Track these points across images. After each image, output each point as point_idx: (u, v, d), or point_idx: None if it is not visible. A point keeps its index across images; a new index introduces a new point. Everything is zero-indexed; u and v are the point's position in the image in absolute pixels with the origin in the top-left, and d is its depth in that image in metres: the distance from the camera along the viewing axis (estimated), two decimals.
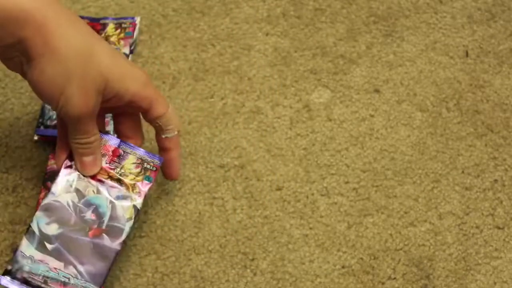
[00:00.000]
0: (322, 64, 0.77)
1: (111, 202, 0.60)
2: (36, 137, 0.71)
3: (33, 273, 0.59)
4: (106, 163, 0.61)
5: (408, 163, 0.72)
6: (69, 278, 0.59)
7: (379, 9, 0.80)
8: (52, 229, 0.59)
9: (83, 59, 0.54)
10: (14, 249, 0.64)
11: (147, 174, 0.61)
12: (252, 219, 0.69)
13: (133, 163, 0.61)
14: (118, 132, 0.63)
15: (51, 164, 0.70)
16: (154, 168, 0.62)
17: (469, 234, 0.69)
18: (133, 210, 0.61)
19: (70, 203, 0.60)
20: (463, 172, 0.72)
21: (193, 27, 0.78)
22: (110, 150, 0.61)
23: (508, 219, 0.70)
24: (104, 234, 0.60)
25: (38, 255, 0.59)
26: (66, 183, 0.60)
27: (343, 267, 0.67)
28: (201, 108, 0.74)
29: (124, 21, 0.75)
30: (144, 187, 0.61)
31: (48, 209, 0.60)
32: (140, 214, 0.62)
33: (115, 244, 0.60)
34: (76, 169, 0.60)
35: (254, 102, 0.74)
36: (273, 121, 0.74)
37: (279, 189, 0.70)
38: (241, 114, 0.74)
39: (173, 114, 0.62)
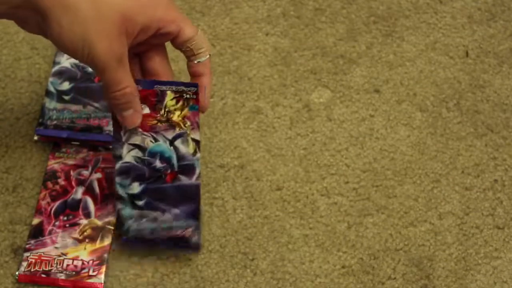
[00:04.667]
0: (322, 64, 0.77)
1: (171, 144, 0.62)
2: (36, 137, 0.71)
3: (140, 230, 0.63)
4: (149, 110, 0.61)
5: (408, 163, 0.72)
6: (170, 224, 0.63)
7: (379, 9, 0.80)
8: (135, 188, 0.63)
9: (92, 1, 0.52)
10: (116, 213, 0.64)
11: (191, 103, 0.61)
12: (252, 219, 0.69)
13: (173, 98, 0.61)
14: (148, 71, 0.61)
15: (51, 164, 0.70)
16: (194, 96, 0.61)
17: (469, 234, 0.69)
18: (193, 143, 0.62)
19: (138, 159, 0.62)
20: (463, 172, 0.72)
21: None
22: (146, 93, 0.60)
23: (508, 219, 0.70)
24: (179, 175, 0.62)
25: (136, 213, 0.63)
26: (125, 144, 0.61)
27: (343, 267, 0.67)
28: None
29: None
30: (194, 118, 0.61)
31: (122, 172, 0.62)
32: (201, 145, 0.64)
33: (193, 180, 0.63)
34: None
35: (254, 102, 0.74)
36: (273, 121, 0.74)
37: (279, 189, 0.70)
38: (241, 114, 0.74)
39: (203, 36, 0.59)
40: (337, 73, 0.76)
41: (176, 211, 0.63)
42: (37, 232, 0.67)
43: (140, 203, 0.63)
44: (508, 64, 0.77)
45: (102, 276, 0.65)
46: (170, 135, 0.61)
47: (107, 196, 0.68)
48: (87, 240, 0.66)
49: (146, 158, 0.62)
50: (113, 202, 0.68)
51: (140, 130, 0.61)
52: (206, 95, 0.61)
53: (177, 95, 0.60)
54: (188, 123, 0.61)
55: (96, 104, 0.72)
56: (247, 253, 0.67)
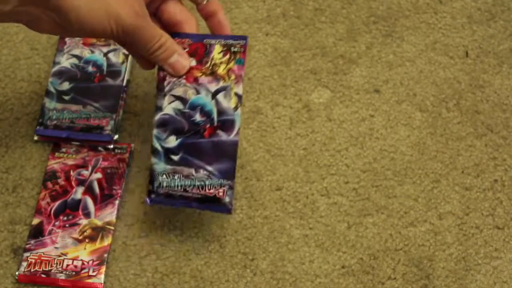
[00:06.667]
0: (322, 64, 0.77)
1: (213, 97, 0.61)
2: (36, 137, 0.71)
3: (171, 186, 0.62)
4: (195, 62, 0.61)
5: (408, 163, 0.72)
6: (203, 181, 0.61)
7: (379, 9, 0.80)
8: (172, 142, 0.62)
9: None
10: (149, 170, 0.63)
11: (237, 57, 0.61)
12: (252, 219, 0.69)
13: (220, 51, 0.61)
14: (171, 23, 0.62)
15: (51, 164, 0.70)
16: (242, 49, 0.61)
17: (469, 234, 0.69)
18: (236, 98, 0.61)
19: (178, 112, 0.61)
20: (463, 172, 0.72)
21: None
22: (196, 47, 0.61)
23: (508, 219, 0.70)
24: (218, 131, 0.61)
25: (169, 168, 0.62)
26: (166, 95, 0.61)
27: (343, 267, 0.67)
28: None
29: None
30: (239, 71, 0.61)
31: (161, 124, 0.62)
32: (242, 101, 0.64)
33: (232, 136, 0.61)
34: (170, 77, 0.61)
35: (254, 102, 0.74)
36: (273, 121, 0.74)
37: (279, 189, 0.70)
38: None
39: None
40: (337, 73, 0.76)
41: (211, 168, 0.61)
42: (37, 232, 0.67)
43: (175, 158, 0.61)
44: (508, 64, 0.77)
45: (102, 276, 0.65)
46: (213, 87, 0.61)
47: (107, 196, 0.68)
48: (87, 240, 0.66)
49: (186, 110, 0.61)
50: (112, 203, 0.68)
51: (184, 81, 0.61)
52: (228, 26, 0.63)
53: (225, 49, 0.61)
54: (233, 76, 0.61)
55: (96, 104, 0.72)
56: (247, 253, 0.67)
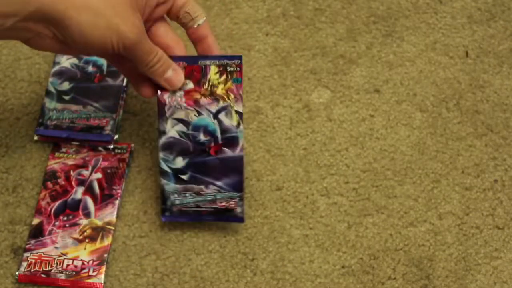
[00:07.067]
0: (322, 64, 0.77)
1: (215, 117, 0.63)
2: (36, 137, 0.71)
3: (184, 203, 0.65)
4: (193, 85, 0.62)
5: (408, 163, 0.72)
6: (214, 195, 0.64)
7: (379, 9, 0.80)
8: (179, 163, 0.63)
9: None
10: (160, 191, 0.65)
11: (234, 76, 0.62)
12: (252, 219, 0.69)
13: (216, 72, 0.62)
14: (161, 46, 0.62)
15: (51, 164, 0.70)
16: (238, 69, 0.62)
17: (469, 234, 0.69)
18: (237, 115, 0.63)
19: (182, 134, 0.63)
20: (463, 172, 0.72)
21: None
22: (191, 70, 0.62)
23: (508, 219, 0.70)
24: (223, 148, 0.63)
25: (180, 187, 0.64)
26: (169, 119, 0.62)
27: (343, 267, 0.67)
28: None
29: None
30: (237, 90, 0.62)
31: (167, 148, 0.63)
32: (243, 118, 0.65)
33: (237, 152, 0.63)
34: (172, 95, 0.62)
35: (254, 102, 0.74)
36: (273, 121, 0.74)
37: (279, 189, 0.70)
38: None
39: (194, 1, 0.61)
40: (337, 73, 0.76)
41: (220, 183, 0.64)
42: (37, 232, 0.67)
43: (185, 177, 0.64)
44: (508, 64, 0.77)
45: (102, 276, 0.65)
46: (214, 108, 0.62)
47: (107, 196, 0.68)
48: (87, 240, 0.66)
49: (190, 132, 0.63)
50: (112, 203, 0.68)
51: (184, 104, 0.62)
52: (218, 49, 0.63)
53: (220, 69, 0.62)
54: (232, 95, 0.62)
55: (96, 104, 0.72)
56: (247, 253, 0.67)
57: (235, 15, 0.79)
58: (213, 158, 0.63)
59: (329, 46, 0.78)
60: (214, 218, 0.65)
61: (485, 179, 0.71)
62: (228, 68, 0.62)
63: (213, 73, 0.62)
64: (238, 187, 0.64)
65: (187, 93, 0.62)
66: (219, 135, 0.63)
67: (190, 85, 0.62)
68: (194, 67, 0.62)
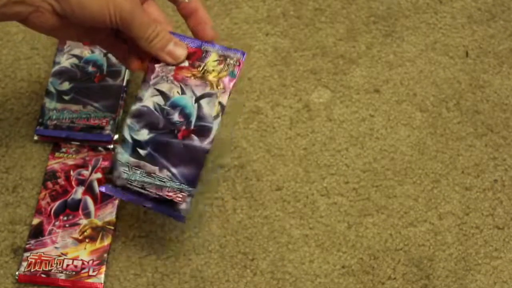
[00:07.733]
0: (322, 64, 0.77)
1: (196, 101, 0.60)
2: (36, 137, 0.71)
3: (130, 180, 0.60)
4: (188, 64, 0.61)
5: (408, 163, 0.72)
6: (164, 181, 0.60)
7: (379, 9, 0.80)
8: (143, 135, 0.60)
9: None
10: (113, 158, 0.62)
11: (231, 69, 0.61)
12: (252, 219, 0.69)
13: (215, 60, 0.61)
14: None
15: (51, 164, 0.70)
16: (238, 63, 0.61)
17: (469, 234, 0.69)
18: (219, 107, 0.60)
19: (157, 106, 0.60)
20: (463, 172, 0.72)
21: None
22: (193, 52, 0.61)
23: (508, 219, 0.70)
24: (193, 135, 0.60)
25: (133, 161, 0.60)
26: (150, 87, 0.60)
27: (343, 267, 0.67)
28: None
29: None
30: (229, 83, 0.60)
31: (137, 115, 0.60)
32: (224, 112, 0.61)
33: (205, 144, 0.60)
34: (164, 67, 0.60)
35: (254, 102, 0.74)
36: (273, 121, 0.74)
37: (279, 189, 0.70)
38: (241, 114, 0.74)
39: None
40: (337, 73, 0.76)
41: (175, 170, 0.59)
42: (37, 232, 0.67)
43: (142, 152, 0.60)
44: (508, 64, 0.77)
45: (102, 276, 0.65)
46: (199, 91, 0.60)
47: (107, 196, 0.68)
48: (87, 240, 0.66)
49: (166, 107, 0.60)
50: (112, 202, 0.68)
51: (172, 78, 0.60)
52: (210, 23, 0.62)
53: (221, 58, 0.61)
54: (222, 85, 0.60)
55: (96, 104, 0.72)
56: (247, 253, 0.67)
57: (235, 15, 0.79)
58: (178, 142, 0.60)
59: (329, 46, 0.78)
60: (155, 207, 0.60)
61: (485, 179, 0.71)
62: (228, 59, 0.61)
63: (212, 59, 0.61)
64: (192, 180, 0.59)
65: (179, 68, 0.60)
66: (193, 120, 0.60)
67: (185, 63, 0.61)
68: (196, 50, 0.61)
